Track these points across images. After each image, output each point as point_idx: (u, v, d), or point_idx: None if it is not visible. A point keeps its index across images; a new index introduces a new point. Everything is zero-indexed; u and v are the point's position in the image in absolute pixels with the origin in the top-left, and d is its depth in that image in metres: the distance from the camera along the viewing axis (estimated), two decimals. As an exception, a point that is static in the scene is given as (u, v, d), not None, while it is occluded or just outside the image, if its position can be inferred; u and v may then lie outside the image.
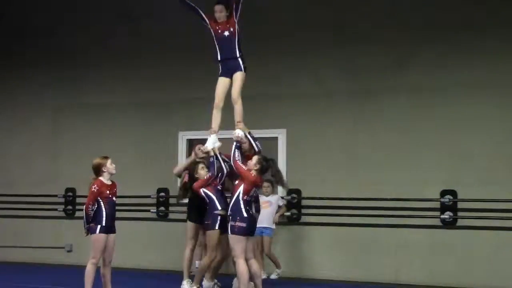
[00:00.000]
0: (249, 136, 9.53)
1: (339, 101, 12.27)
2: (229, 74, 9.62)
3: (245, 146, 9.37)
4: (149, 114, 13.69)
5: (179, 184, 11.48)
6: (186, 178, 10.33)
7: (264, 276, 10.61)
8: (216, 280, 10.09)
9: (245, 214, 8.93)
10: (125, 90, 13.88)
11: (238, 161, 9.18)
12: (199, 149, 10.02)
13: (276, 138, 12.52)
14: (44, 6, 14.55)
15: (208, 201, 9.68)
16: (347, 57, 12.22)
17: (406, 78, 11.77)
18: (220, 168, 9.78)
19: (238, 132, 9.38)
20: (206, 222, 9.78)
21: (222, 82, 9.63)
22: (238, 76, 9.53)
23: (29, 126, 14.69)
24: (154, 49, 13.55)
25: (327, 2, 12.33)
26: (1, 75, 14.97)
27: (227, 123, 9.61)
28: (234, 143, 9.33)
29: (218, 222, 9.56)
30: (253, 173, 8.95)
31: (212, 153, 9.57)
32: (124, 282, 10.20)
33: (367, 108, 12.04)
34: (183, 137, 13.13)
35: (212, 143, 9.58)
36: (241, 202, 8.99)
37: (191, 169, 10.21)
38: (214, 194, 9.71)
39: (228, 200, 9.47)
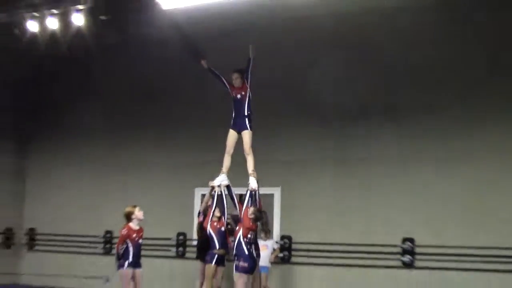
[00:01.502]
0: (257, 190, 9.90)
1: (323, 167, 13.08)
2: (237, 129, 10.22)
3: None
4: (171, 174, 14.63)
5: (195, 227, 11.98)
6: (200, 218, 10.82)
7: (261, 306, 11.10)
8: None
9: (246, 253, 9.47)
10: (152, 153, 14.91)
11: (248, 208, 9.61)
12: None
13: (272, 195, 13.18)
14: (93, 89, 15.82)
15: (209, 239, 10.35)
16: (329, 132, 13.08)
17: (375, 151, 12.65)
18: (221, 204, 10.20)
19: (253, 184, 9.83)
20: (206, 258, 10.51)
21: (231, 134, 10.25)
22: (246, 134, 10.10)
23: (77, 182, 15.91)
24: (176, 123, 14.60)
25: (316, 92, 13.07)
26: (53, 143, 16.26)
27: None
28: (248, 192, 9.80)
29: (215, 259, 10.32)
30: (249, 220, 9.54)
31: (216, 189, 10.08)
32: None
33: (344, 173, 12.86)
34: (198, 192, 13.69)
35: (220, 180, 10.11)
36: (243, 243, 9.51)
37: (204, 211, 10.68)
38: (215, 235, 10.36)
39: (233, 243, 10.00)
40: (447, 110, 12.17)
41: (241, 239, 9.59)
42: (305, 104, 13.37)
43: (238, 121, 10.30)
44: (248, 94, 10.29)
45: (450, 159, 12.06)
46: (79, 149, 15.99)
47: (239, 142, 10.30)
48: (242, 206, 9.77)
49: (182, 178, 14.41)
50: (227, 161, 10.35)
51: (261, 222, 10.29)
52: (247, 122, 10.23)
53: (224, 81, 10.44)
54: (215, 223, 10.42)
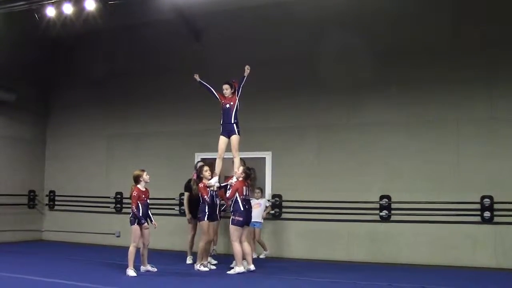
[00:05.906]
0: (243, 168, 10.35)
1: (309, 133, 13.16)
2: (226, 134, 10.46)
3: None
4: (174, 141, 14.61)
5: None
6: (194, 176, 10.89)
7: (255, 256, 11.46)
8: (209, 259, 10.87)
9: (242, 208, 9.96)
10: (157, 123, 14.92)
11: (229, 191, 10.17)
12: (206, 171, 10.56)
13: (264, 158, 13.34)
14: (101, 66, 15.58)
15: (202, 200, 10.45)
16: (315, 103, 13.07)
17: (356, 118, 12.71)
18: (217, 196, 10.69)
19: (234, 180, 10.27)
20: (198, 216, 10.62)
21: (222, 140, 10.50)
22: (234, 139, 10.38)
23: (91, 149, 15.92)
24: (178, 96, 14.41)
25: (300, 68, 13.18)
26: (70, 114, 16.19)
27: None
28: (229, 186, 10.30)
29: (206, 215, 10.43)
30: (238, 180, 10.03)
31: (212, 188, 10.43)
32: (155, 258, 10.74)
33: (328, 138, 12.95)
34: (198, 156, 13.98)
35: (214, 181, 10.46)
36: (239, 201, 10.01)
37: (198, 170, 10.87)
38: (207, 197, 10.41)
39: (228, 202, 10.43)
40: (416, 82, 12.35)
41: (238, 198, 10.05)
42: (294, 78, 13.43)
43: (227, 127, 10.49)
44: (236, 104, 10.46)
45: (419, 124, 12.27)
46: (92, 121, 16.06)
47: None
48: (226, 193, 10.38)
49: (184, 144, 14.52)
50: (219, 165, 10.60)
51: (250, 178, 10.53)
52: (235, 128, 10.45)
53: (214, 92, 10.66)
54: (207, 189, 10.52)
